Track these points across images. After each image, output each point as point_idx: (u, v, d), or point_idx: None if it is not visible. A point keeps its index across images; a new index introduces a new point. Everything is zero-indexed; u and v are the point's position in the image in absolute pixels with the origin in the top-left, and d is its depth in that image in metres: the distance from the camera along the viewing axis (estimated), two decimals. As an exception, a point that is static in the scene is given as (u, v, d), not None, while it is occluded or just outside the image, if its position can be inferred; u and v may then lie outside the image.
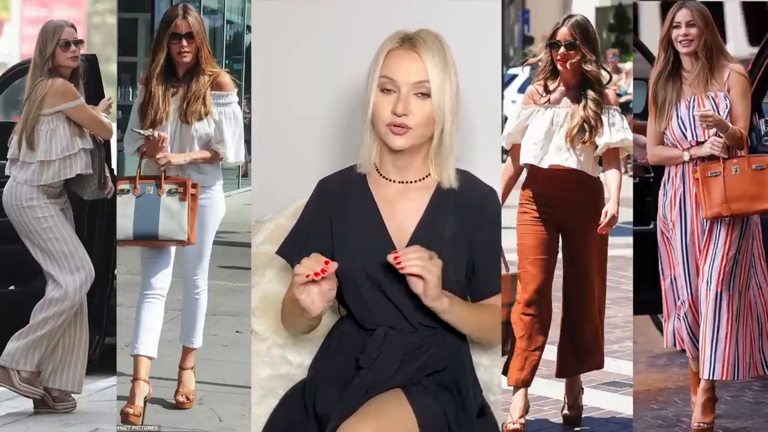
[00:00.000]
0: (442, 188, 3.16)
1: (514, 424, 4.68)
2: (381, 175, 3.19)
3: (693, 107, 4.54)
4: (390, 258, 2.91)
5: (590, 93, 4.65)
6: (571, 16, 4.69)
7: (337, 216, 3.19)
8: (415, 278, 2.92)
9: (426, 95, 3.06)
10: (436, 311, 3.01)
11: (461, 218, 3.15)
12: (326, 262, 2.93)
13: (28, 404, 5.24)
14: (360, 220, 3.15)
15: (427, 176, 3.17)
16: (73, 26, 5.13)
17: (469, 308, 3.13)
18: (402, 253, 2.91)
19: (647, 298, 5.00)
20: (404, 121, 3.05)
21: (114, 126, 5.17)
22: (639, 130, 4.92)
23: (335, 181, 3.26)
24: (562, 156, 4.65)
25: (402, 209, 3.16)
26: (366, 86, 3.12)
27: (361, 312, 3.16)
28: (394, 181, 3.18)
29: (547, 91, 4.71)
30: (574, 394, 4.91)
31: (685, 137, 4.56)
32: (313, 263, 2.93)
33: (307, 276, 2.92)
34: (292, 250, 3.23)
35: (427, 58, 3.06)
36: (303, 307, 2.96)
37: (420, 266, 2.90)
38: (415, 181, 3.17)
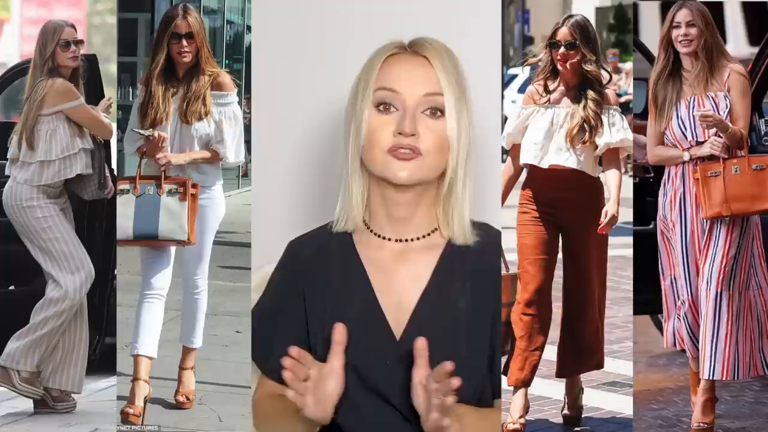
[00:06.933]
0: (454, 247, 2.40)
1: (514, 424, 4.68)
2: (371, 231, 2.42)
3: (693, 107, 4.53)
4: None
5: (590, 93, 4.66)
6: (571, 16, 4.70)
7: (314, 293, 2.43)
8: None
9: (438, 111, 2.35)
10: None
11: (481, 287, 2.39)
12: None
13: (28, 404, 5.23)
14: (345, 298, 2.40)
15: (432, 231, 2.41)
16: (73, 26, 5.12)
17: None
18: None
19: (647, 298, 4.99)
20: (414, 143, 2.31)
21: (114, 126, 5.17)
22: (639, 130, 4.91)
23: (309, 245, 2.47)
24: (562, 156, 4.65)
25: (400, 278, 2.39)
26: (349, 113, 2.41)
27: (349, 420, 2.35)
28: (389, 240, 2.41)
29: (547, 91, 4.72)
30: (574, 394, 4.91)
31: (685, 137, 4.56)
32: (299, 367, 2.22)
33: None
34: (260, 350, 2.52)
35: (439, 65, 2.36)
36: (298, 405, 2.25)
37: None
38: (418, 239, 2.41)
